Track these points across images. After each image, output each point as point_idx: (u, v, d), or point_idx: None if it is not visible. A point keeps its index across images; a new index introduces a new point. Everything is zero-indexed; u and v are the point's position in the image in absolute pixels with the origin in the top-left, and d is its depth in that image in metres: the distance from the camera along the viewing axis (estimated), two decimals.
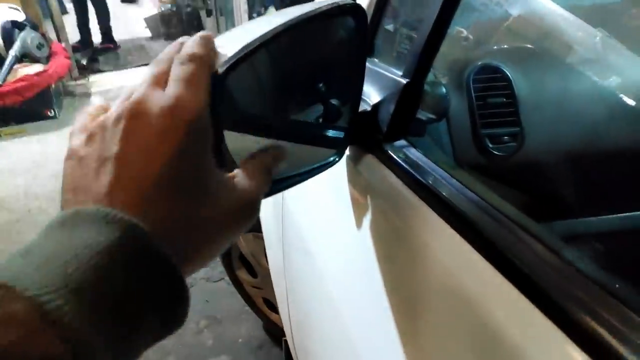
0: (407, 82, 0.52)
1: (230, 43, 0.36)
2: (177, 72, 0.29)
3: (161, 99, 0.27)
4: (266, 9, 4.09)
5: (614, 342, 0.26)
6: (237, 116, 0.41)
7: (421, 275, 0.43)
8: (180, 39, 0.34)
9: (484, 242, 0.38)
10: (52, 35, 3.96)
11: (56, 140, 3.20)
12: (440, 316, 0.41)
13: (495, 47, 0.87)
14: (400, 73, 0.55)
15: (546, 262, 0.34)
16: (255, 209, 0.31)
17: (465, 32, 0.90)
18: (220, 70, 0.33)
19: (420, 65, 0.52)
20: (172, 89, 0.28)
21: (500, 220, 0.39)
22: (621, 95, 0.76)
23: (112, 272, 0.22)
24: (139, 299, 0.23)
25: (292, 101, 0.50)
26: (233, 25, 4.23)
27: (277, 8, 4.04)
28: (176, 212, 0.26)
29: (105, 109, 0.31)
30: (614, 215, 0.59)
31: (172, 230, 0.26)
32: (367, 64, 0.59)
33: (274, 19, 0.40)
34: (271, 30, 0.38)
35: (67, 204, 0.26)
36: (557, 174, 0.64)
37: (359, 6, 0.44)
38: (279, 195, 0.97)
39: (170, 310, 0.25)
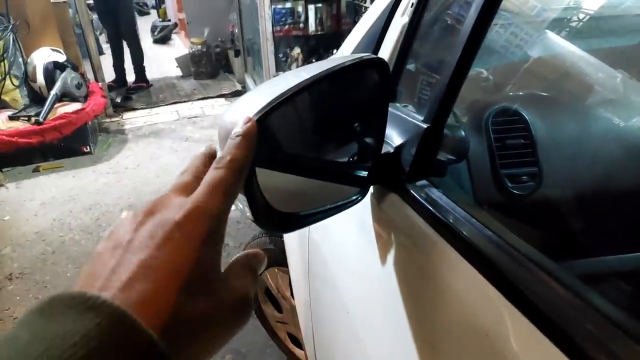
0: (428, 127, 0.55)
1: (263, 94, 0.40)
2: (208, 176, 0.31)
3: (180, 204, 0.29)
4: (292, 49, 4.23)
5: None
6: (271, 156, 0.45)
7: (443, 312, 0.45)
8: (205, 150, 0.36)
9: (503, 281, 0.40)
10: (89, 75, 4.19)
11: (91, 175, 3.34)
12: (461, 353, 0.43)
13: (514, 91, 0.90)
14: (422, 118, 0.59)
15: (564, 301, 0.36)
16: (250, 305, 0.31)
17: (485, 73, 0.94)
18: (256, 117, 0.37)
19: (440, 111, 0.56)
20: (196, 194, 0.30)
21: (518, 259, 0.42)
22: None
23: None
24: None
25: (327, 142, 0.54)
26: (260, 65, 4.38)
27: (302, 49, 4.18)
28: (179, 305, 0.26)
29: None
30: (633, 255, 0.60)
31: (170, 324, 0.25)
32: (390, 109, 0.63)
33: (302, 73, 0.44)
34: (304, 81, 0.42)
35: (77, 284, 0.27)
36: (576, 213, 0.66)
37: (381, 60, 0.48)
38: (305, 230, 1.01)
39: None
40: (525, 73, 0.94)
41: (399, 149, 0.60)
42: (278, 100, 0.39)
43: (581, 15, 1.10)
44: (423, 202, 0.55)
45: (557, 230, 0.64)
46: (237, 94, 4.94)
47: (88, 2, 4.57)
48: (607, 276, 0.56)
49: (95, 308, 0.22)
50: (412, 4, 0.66)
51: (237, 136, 0.34)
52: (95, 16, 5.30)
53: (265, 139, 0.42)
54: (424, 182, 0.58)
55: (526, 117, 0.73)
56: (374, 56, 0.48)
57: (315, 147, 0.54)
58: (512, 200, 0.69)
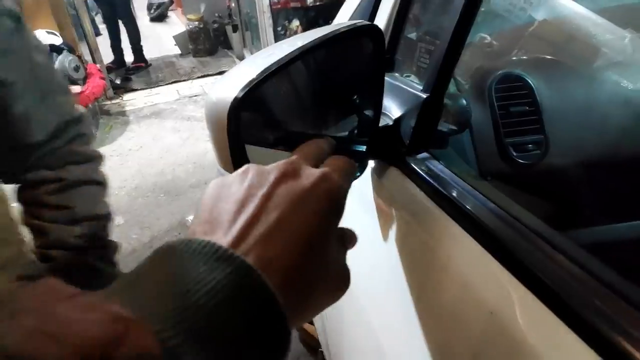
0: (427, 97, 0.53)
1: (256, 64, 0.38)
2: (333, 159, 0.34)
3: (313, 174, 0.30)
4: (290, 22, 4.15)
5: (636, 354, 0.27)
6: (261, 131, 0.44)
7: (446, 287, 0.44)
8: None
9: (505, 253, 0.39)
10: (87, 57, 4.14)
11: None
12: (465, 329, 0.41)
13: (518, 55, 0.87)
14: (421, 87, 0.56)
15: (567, 272, 0.35)
16: (349, 274, 0.33)
17: (488, 39, 0.90)
18: (241, 93, 0.35)
19: (439, 80, 0.53)
20: (326, 169, 0.31)
21: (522, 232, 0.40)
22: None
23: (223, 313, 0.22)
24: (246, 342, 0.23)
25: (324, 115, 0.52)
26: (258, 40, 4.31)
27: (301, 22, 4.10)
28: (300, 268, 0.27)
29: None
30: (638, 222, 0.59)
31: (290, 284, 0.26)
32: (388, 79, 0.61)
33: (296, 41, 0.42)
34: (293, 52, 0.40)
35: (194, 233, 0.27)
36: (583, 181, 0.64)
37: (375, 27, 0.45)
38: None
39: (271, 355, 0.25)
40: (530, 37, 0.90)
41: (398, 120, 0.58)
42: (268, 72, 0.37)
43: None
44: (424, 175, 0.53)
45: (564, 199, 0.63)
46: None
47: None
48: (616, 244, 0.54)
49: (225, 259, 0.24)
50: None
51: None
52: None
53: (256, 114, 0.40)
54: (424, 154, 0.56)
55: (530, 82, 0.70)
56: (368, 23, 0.45)
57: (311, 122, 0.52)
58: (518, 169, 0.66)
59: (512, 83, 0.71)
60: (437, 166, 0.54)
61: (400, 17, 0.67)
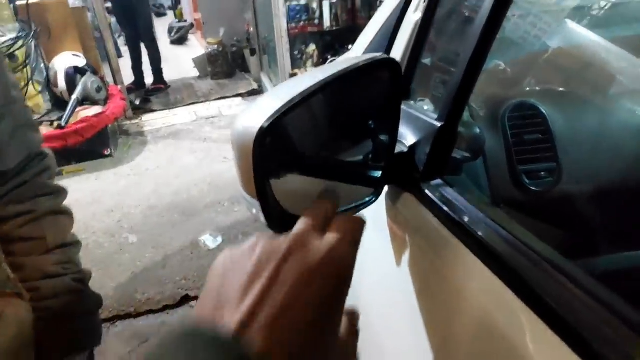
0: (442, 125, 0.55)
1: (280, 97, 0.40)
2: (339, 224, 0.33)
3: (320, 247, 0.30)
4: (307, 46, 4.23)
5: None
6: (284, 158, 0.46)
7: (458, 312, 0.45)
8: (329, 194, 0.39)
9: (519, 282, 0.40)
10: (109, 78, 4.25)
11: (112, 177, 3.40)
12: (476, 355, 0.42)
13: (533, 84, 0.89)
14: (436, 116, 0.58)
15: (582, 303, 0.35)
16: None
17: (503, 66, 0.92)
18: (267, 123, 0.37)
19: (453, 109, 0.55)
20: (333, 239, 0.31)
21: (534, 259, 0.41)
22: None
23: None
24: None
25: (342, 141, 0.54)
26: (275, 63, 4.39)
27: (317, 46, 4.18)
28: (305, 352, 0.27)
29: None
30: None
31: None
32: (404, 108, 0.63)
33: (317, 74, 0.44)
34: (314, 85, 0.42)
35: (202, 309, 0.28)
36: (595, 209, 0.64)
37: (392, 60, 0.48)
38: None
39: None
40: (544, 64, 0.92)
41: (413, 148, 0.60)
42: (291, 104, 0.40)
43: (602, 3, 1.07)
44: (437, 202, 0.54)
45: (576, 227, 0.63)
46: (253, 93, 4.96)
47: (106, 5, 4.63)
48: (627, 273, 0.55)
49: (230, 348, 0.24)
50: (425, 0, 0.65)
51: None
52: (113, 19, 5.38)
53: (279, 143, 0.42)
54: (438, 181, 0.58)
55: (543, 111, 0.72)
56: (386, 56, 0.48)
57: (329, 148, 0.54)
58: (530, 197, 0.67)
59: (525, 112, 0.72)
60: (451, 193, 0.55)
61: (417, 46, 0.70)
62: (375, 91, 0.53)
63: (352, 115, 0.55)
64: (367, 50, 0.87)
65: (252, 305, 0.26)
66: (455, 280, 0.46)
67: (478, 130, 0.60)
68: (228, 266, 0.30)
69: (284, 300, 0.27)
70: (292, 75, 4.17)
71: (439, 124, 0.55)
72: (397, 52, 0.72)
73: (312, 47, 4.25)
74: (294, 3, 4.03)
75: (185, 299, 2.15)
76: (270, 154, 0.39)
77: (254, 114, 0.38)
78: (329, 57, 4.16)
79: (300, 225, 0.32)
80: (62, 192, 0.82)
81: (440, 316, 0.49)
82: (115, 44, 5.11)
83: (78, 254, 0.83)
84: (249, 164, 0.37)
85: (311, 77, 0.44)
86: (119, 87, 4.22)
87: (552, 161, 0.70)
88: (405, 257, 0.57)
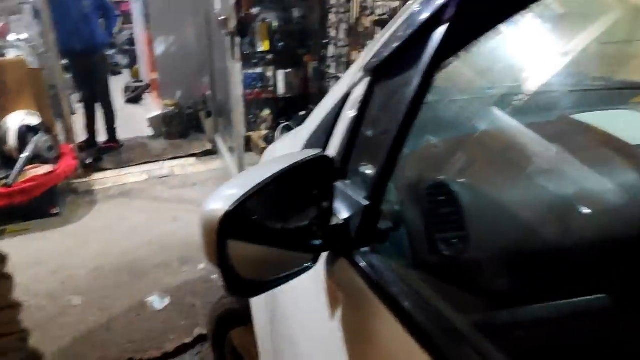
0: (367, 205, 0.68)
1: (241, 185, 0.53)
2: None
3: None
4: (261, 111, 4.43)
5: None
6: (243, 233, 0.57)
7: (372, 357, 0.56)
8: None
9: (421, 334, 0.51)
10: (61, 136, 4.24)
11: (58, 237, 3.33)
12: None
13: (461, 161, 1.04)
14: (364, 195, 0.72)
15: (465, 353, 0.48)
16: None
17: (436, 144, 1.08)
18: (230, 207, 0.49)
19: (376, 190, 0.69)
20: None
21: (436, 317, 0.53)
22: (562, 200, 0.92)
23: None
24: None
25: (290, 217, 0.67)
26: (230, 125, 4.55)
27: (272, 111, 4.38)
28: None
29: None
30: (543, 305, 0.73)
31: None
32: (341, 187, 0.77)
33: (270, 169, 0.57)
34: (267, 177, 0.55)
35: None
36: (496, 270, 0.78)
37: (325, 156, 0.61)
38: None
39: None
40: (473, 144, 1.09)
41: (347, 220, 0.73)
42: (251, 192, 0.52)
43: (521, 96, 1.28)
44: (365, 266, 0.67)
45: (481, 285, 0.77)
46: (207, 153, 5.06)
47: (62, 62, 4.67)
48: (518, 326, 0.68)
49: None
50: (359, 101, 0.81)
51: None
52: (68, 76, 5.41)
53: (241, 219, 0.54)
54: (366, 249, 0.70)
55: (454, 189, 0.87)
56: (321, 154, 0.61)
57: (280, 223, 0.66)
58: (444, 260, 0.81)
59: (440, 189, 0.87)
60: (375, 259, 0.67)
61: (353, 134, 0.84)
62: (314, 178, 0.67)
63: (298, 197, 0.68)
64: (312, 137, 1.02)
65: None
66: (372, 332, 0.58)
67: (397, 208, 0.74)
68: None
69: None
70: (246, 137, 4.32)
71: (365, 203, 0.69)
72: (336, 141, 0.87)
73: (266, 112, 4.46)
74: (250, 71, 4.27)
75: None
76: (231, 229, 0.50)
77: (220, 198, 0.50)
78: (282, 121, 4.37)
79: None
80: (3, 259, 0.87)
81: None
82: (69, 101, 5.12)
83: (19, 315, 0.87)
84: (213, 239, 0.48)
85: (265, 169, 0.56)
86: (72, 146, 4.21)
87: (462, 231, 0.85)
88: (338, 311, 0.68)
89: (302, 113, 4.17)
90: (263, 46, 4.29)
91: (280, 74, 4.42)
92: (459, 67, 1.16)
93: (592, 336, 0.70)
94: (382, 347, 0.56)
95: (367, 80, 0.81)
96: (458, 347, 0.49)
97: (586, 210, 0.89)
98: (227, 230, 0.48)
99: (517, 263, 0.81)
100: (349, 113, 0.84)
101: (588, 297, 0.73)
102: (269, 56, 4.38)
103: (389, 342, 0.55)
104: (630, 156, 1.05)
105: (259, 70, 4.35)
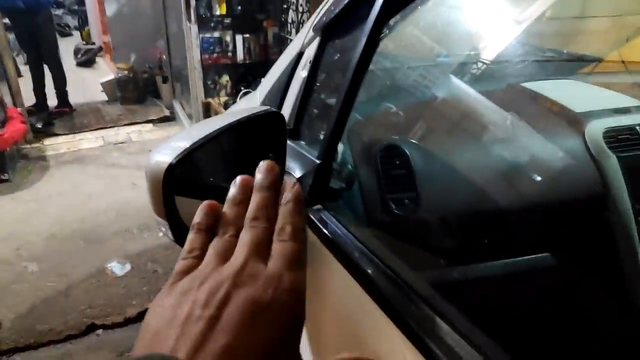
0: (320, 163, 0.69)
1: (190, 136, 0.52)
2: (281, 249, 0.28)
3: (266, 276, 0.27)
4: (220, 77, 4.32)
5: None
6: (190, 186, 0.57)
7: (325, 302, 0.59)
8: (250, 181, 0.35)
9: (368, 282, 0.54)
10: (7, 99, 4.02)
11: (9, 203, 3.21)
12: (336, 330, 0.56)
13: (419, 127, 1.06)
14: (316, 154, 0.73)
15: (414, 302, 0.50)
16: None
17: (394, 109, 1.10)
18: (175, 160, 0.49)
19: (328, 150, 0.70)
20: (277, 269, 0.27)
21: (381, 267, 0.56)
22: (510, 163, 0.96)
23: None
24: None
25: (240, 173, 0.67)
26: (188, 91, 4.44)
27: (230, 77, 4.29)
28: None
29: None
30: (489, 263, 0.77)
31: None
32: (294, 146, 0.77)
33: (220, 121, 0.57)
34: (216, 129, 0.55)
35: (142, 344, 0.26)
36: (446, 229, 0.82)
37: (277, 112, 0.62)
38: None
39: None
40: (432, 111, 1.11)
41: (300, 179, 0.74)
42: (197, 145, 0.52)
43: (479, 64, 1.30)
44: (317, 223, 0.68)
45: (429, 242, 0.80)
46: (165, 119, 4.93)
47: (4, 21, 4.38)
48: (466, 283, 0.72)
49: None
50: (310, 61, 0.81)
51: (288, 202, 0.31)
52: (12, 36, 5.09)
53: (187, 173, 0.54)
54: (319, 206, 0.72)
55: (407, 152, 0.90)
56: (272, 110, 0.62)
57: (229, 179, 0.66)
58: (396, 219, 0.84)
59: (393, 151, 0.90)
60: (327, 215, 0.69)
61: (304, 97, 0.85)
62: (267, 135, 0.67)
63: (249, 153, 0.68)
64: (266, 97, 1.01)
65: (191, 346, 0.24)
66: (325, 281, 0.60)
67: (350, 168, 0.76)
68: (160, 312, 0.27)
69: (229, 344, 0.24)
70: (205, 103, 4.23)
71: (318, 162, 0.70)
72: (290, 100, 0.87)
73: (225, 78, 4.35)
74: (208, 35, 4.13)
75: (91, 328, 2.10)
76: (176, 184, 0.50)
77: (166, 150, 0.50)
78: (242, 88, 4.29)
79: (239, 254, 0.28)
80: None
81: (314, 306, 0.62)
82: (15, 62, 4.84)
83: None
84: (159, 193, 0.48)
85: (216, 122, 0.56)
86: (19, 109, 4.01)
87: (413, 191, 0.88)
88: None
89: (262, 79, 4.10)
90: (220, 9, 4.14)
91: (239, 39, 4.29)
92: (416, 36, 1.17)
93: (537, 291, 0.75)
94: (333, 293, 0.58)
95: (318, 39, 0.81)
96: (405, 295, 0.52)
97: (532, 173, 0.94)
98: (173, 183, 0.48)
99: (466, 224, 0.85)
100: (302, 73, 0.84)
101: (533, 256, 0.77)
102: (227, 20, 4.24)
103: (339, 289, 0.57)
104: (575, 123, 1.10)
105: (216, 34, 4.21)
